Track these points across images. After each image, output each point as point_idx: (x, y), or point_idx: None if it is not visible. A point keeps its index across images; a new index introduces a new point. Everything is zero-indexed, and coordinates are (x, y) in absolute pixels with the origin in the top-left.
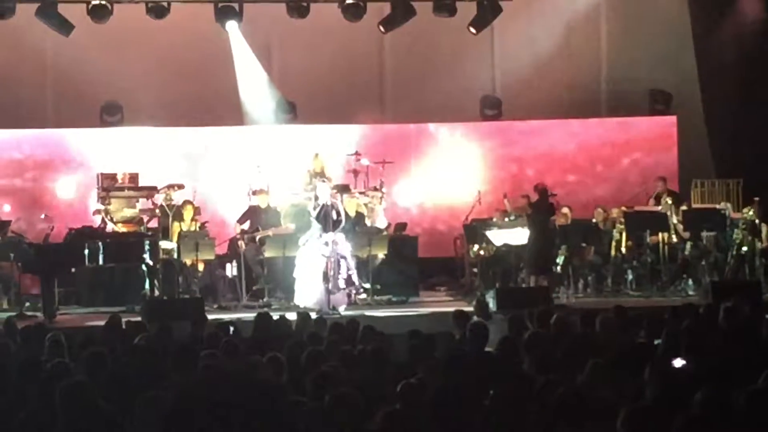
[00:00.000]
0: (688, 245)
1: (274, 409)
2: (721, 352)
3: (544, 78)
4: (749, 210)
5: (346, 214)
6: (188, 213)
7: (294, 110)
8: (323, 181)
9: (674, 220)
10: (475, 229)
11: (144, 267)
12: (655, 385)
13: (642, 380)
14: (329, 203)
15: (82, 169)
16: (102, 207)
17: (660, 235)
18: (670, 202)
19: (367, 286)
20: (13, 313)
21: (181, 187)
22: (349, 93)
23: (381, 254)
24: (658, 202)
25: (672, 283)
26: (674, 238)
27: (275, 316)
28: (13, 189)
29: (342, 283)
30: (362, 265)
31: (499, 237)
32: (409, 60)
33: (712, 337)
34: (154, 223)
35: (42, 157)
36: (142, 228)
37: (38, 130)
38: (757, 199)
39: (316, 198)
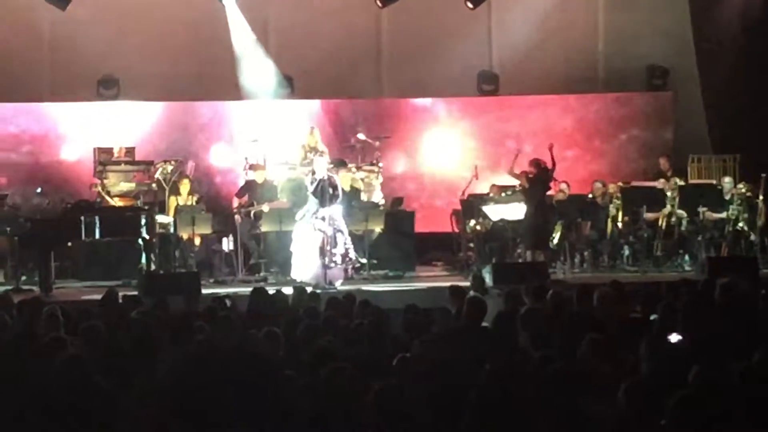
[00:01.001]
0: (685, 221)
1: (269, 384)
2: (717, 327)
3: (541, 53)
4: (743, 186)
5: (342, 188)
6: (185, 187)
7: (291, 85)
8: (320, 156)
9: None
10: (471, 204)
11: (140, 241)
12: (650, 360)
13: (638, 355)
14: (326, 178)
15: (79, 143)
16: (98, 181)
17: (662, 211)
18: (680, 182)
19: (364, 261)
20: (9, 287)
21: (177, 161)
22: (347, 68)
23: (378, 229)
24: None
25: (668, 258)
26: (674, 218)
27: (271, 290)
28: (9, 163)
29: (338, 258)
30: (359, 239)
31: (495, 212)
32: (406, 35)
33: (708, 313)
34: (150, 198)
35: (38, 131)
36: (138, 202)
37: (34, 103)
38: (764, 175)
39: (313, 172)
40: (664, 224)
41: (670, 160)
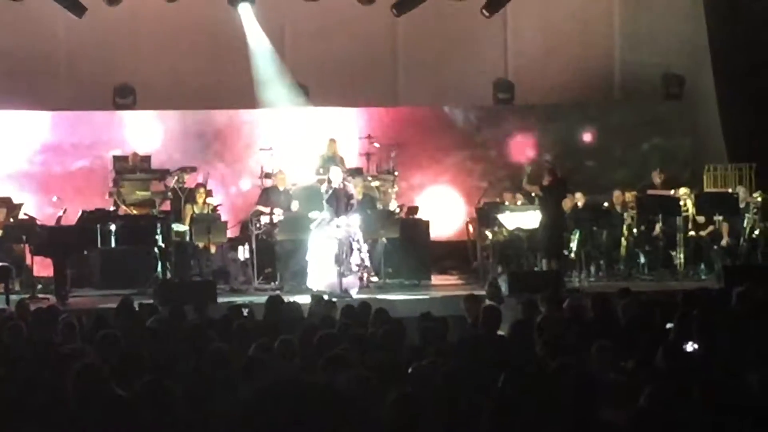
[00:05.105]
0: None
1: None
2: (734, 336)
3: (558, 62)
4: (759, 195)
5: (357, 197)
6: (200, 196)
7: (307, 93)
8: (336, 165)
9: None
10: (487, 213)
11: (156, 249)
12: (667, 368)
13: (654, 364)
14: (341, 187)
15: (95, 152)
16: (114, 189)
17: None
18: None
19: (375, 279)
20: (26, 296)
21: (193, 169)
22: (362, 76)
23: (384, 239)
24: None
25: (685, 267)
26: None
27: (287, 299)
28: (24, 172)
29: (354, 267)
30: (373, 248)
31: (511, 220)
32: (422, 43)
33: (725, 322)
34: (166, 206)
35: (54, 139)
36: (154, 211)
37: (50, 112)
38: None
39: (329, 181)
40: (679, 232)
41: (664, 172)
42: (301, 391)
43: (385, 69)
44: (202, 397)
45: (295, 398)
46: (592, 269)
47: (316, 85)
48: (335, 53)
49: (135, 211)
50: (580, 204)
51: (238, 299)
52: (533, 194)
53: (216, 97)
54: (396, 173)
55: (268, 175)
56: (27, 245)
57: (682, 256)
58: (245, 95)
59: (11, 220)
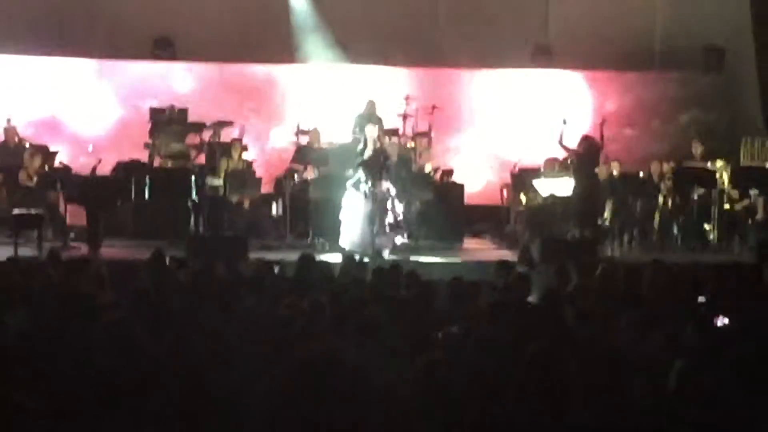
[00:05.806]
0: (736, 204)
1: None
2: (765, 311)
3: (598, 27)
4: None
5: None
6: (236, 150)
7: (345, 50)
8: (373, 125)
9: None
10: (522, 178)
11: (190, 203)
12: (696, 342)
13: (684, 337)
14: (377, 146)
15: (131, 102)
16: (150, 141)
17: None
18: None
19: (405, 240)
20: (58, 244)
21: (229, 124)
22: (401, 35)
23: (425, 199)
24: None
25: (718, 240)
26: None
27: (319, 257)
28: (60, 120)
29: (387, 227)
30: (407, 209)
31: (546, 187)
32: (463, 2)
33: (757, 297)
34: (201, 159)
35: (91, 87)
36: (189, 164)
37: (88, 59)
38: None
39: (365, 141)
40: (714, 205)
41: (704, 144)
42: (328, 366)
43: (425, 28)
44: (229, 356)
45: (322, 372)
46: (626, 239)
47: (355, 42)
48: (375, 10)
49: (170, 164)
50: (615, 173)
51: (270, 256)
52: (568, 159)
53: (254, 51)
54: (432, 135)
55: (303, 132)
56: (61, 193)
57: (716, 229)
58: (284, 50)
59: (46, 167)
